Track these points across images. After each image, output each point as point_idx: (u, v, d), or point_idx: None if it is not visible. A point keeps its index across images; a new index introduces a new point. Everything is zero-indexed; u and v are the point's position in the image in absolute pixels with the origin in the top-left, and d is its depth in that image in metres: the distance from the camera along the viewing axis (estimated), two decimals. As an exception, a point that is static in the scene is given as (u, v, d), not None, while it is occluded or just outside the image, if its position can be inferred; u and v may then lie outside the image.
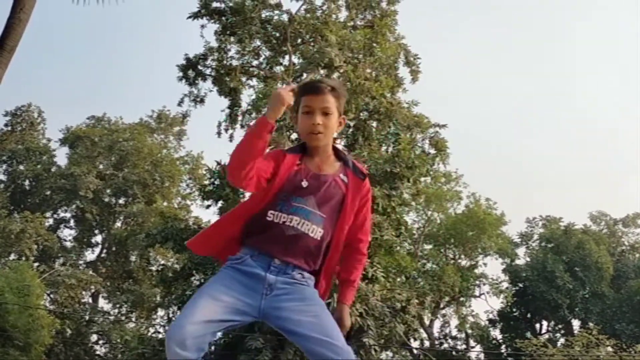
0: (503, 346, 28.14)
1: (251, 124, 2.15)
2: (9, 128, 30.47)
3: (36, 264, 26.32)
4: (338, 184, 2.18)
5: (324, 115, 2.18)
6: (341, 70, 15.96)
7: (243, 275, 2.10)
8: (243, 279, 2.10)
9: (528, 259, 29.83)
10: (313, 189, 2.16)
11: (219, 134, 18.11)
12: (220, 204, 17.17)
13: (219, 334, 15.47)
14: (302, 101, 2.21)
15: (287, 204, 2.14)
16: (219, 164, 17.13)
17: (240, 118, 17.91)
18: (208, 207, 17.62)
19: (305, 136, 2.22)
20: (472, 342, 28.52)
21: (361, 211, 2.24)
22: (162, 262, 27.43)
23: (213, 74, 18.10)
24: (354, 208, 2.20)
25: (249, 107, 16.53)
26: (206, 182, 17.71)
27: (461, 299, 25.64)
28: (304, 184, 2.14)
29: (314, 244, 2.15)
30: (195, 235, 2.26)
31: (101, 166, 29.84)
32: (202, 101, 18.24)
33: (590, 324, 21.14)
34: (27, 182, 29.74)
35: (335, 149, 2.27)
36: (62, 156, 31.43)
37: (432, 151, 16.66)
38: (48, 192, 29.29)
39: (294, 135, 17.23)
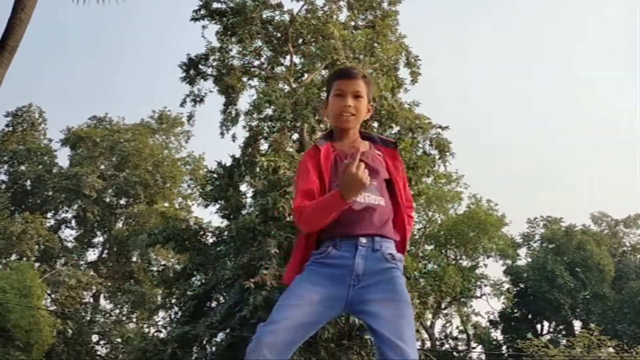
0: (504, 347, 28.12)
1: (328, 199, 2.04)
2: (10, 128, 30.48)
3: (37, 264, 26.33)
4: (376, 157, 2.21)
5: (355, 98, 2.21)
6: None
7: (329, 268, 2.03)
8: (329, 271, 2.03)
9: (529, 260, 29.81)
10: None
11: (222, 134, 18.16)
12: (220, 203, 17.20)
13: (221, 335, 15.52)
14: (334, 85, 2.25)
15: None
16: (219, 164, 17.15)
17: (242, 118, 17.95)
18: (206, 206, 17.68)
19: (335, 118, 2.23)
20: (473, 343, 28.50)
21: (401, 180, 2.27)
22: (163, 262, 27.45)
23: (214, 73, 18.13)
24: (397, 174, 2.21)
25: (251, 108, 16.54)
26: (206, 183, 17.73)
27: (462, 299, 25.63)
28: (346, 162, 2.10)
29: (385, 211, 2.12)
30: (286, 271, 2.16)
31: (102, 166, 29.86)
32: (201, 100, 18.27)
33: (592, 325, 21.09)
34: (28, 183, 29.76)
35: (360, 132, 2.29)
36: (63, 157, 31.49)
37: (434, 152, 16.65)
38: (49, 193, 29.30)
39: (295, 136, 17.24)
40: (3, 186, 29.44)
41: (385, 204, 2.13)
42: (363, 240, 2.04)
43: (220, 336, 15.62)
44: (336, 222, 2.06)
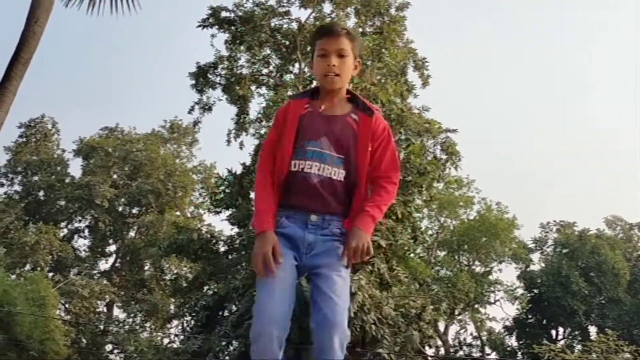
0: (519, 353, 27.84)
1: (257, 215, 2.20)
2: (24, 139, 30.77)
3: (51, 274, 26.51)
4: (349, 123, 2.18)
5: (339, 57, 2.19)
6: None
7: (285, 239, 2.12)
8: (286, 242, 2.12)
9: (543, 265, 29.56)
10: (325, 130, 2.17)
11: (228, 142, 18.22)
12: (230, 211, 17.23)
13: (235, 343, 15.48)
14: (317, 45, 2.22)
15: (302, 150, 2.15)
16: (230, 171, 17.19)
17: (250, 126, 18.01)
18: (217, 213, 17.72)
19: (320, 78, 2.22)
20: (487, 349, 28.25)
21: (377, 150, 2.20)
22: (176, 271, 27.53)
23: (223, 82, 18.23)
24: (367, 145, 2.17)
25: (259, 115, 16.59)
26: (217, 190, 17.79)
27: (476, 305, 25.44)
28: (314, 124, 2.16)
29: (340, 186, 2.16)
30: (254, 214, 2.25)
31: (115, 176, 30.07)
32: (210, 109, 18.37)
33: (608, 330, 20.82)
34: (41, 193, 30.01)
35: (349, 92, 2.27)
36: (75, 167, 31.62)
37: (444, 156, 16.60)
38: (62, 203, 29.54)
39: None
40: (17, 197, 29.70)
41: (343, 178, 2.15)
42: (314, 218, 2.13)
43: (234, 344, 15.61)
44: (291, 192, 2.16)
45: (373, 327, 12.36)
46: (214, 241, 17.81)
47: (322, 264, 2.11)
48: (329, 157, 2.14)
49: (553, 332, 29.07)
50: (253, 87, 18.73)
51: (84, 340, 26.27)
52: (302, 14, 17.98)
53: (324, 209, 2.13)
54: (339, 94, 2.23)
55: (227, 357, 16.01)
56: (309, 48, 18.33)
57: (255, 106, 29.05)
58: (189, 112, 18.47)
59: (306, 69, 17.99)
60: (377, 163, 2.21)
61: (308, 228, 2.13)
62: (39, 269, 25.66)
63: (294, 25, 17.91)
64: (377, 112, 2.24)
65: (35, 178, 30.04)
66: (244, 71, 18.32)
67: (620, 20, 50.67)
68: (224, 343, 15.47)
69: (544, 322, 28.73)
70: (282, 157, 2.16)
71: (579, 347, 25.43)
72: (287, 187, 2.16)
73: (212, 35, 17.87)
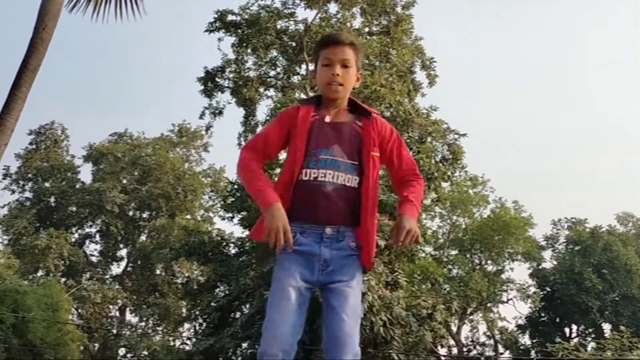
0: (533, 352, 27.65)
1: (258, 195, 2.13)
2: (34, 146, 31.03)
3: (63, 279, 26.70)
4: (355, 129, 2.19)
5: (343, 67, 2.20)
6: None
7: (299, 255, 2.10)
8: (300, 258, 2.10)
9: (555, 262, 29.35)
10: (335, 138, 2.16)
11: (239, 145, 18.29)
12: (241, 215, 17.29)
13: (245, 345, 15.51)
14: (322, 54, 2.22)
15: (315, 158, 2.13)
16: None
17: (259, 128, 18.05)
18: (231, 218, 17.77)
19: (324, 87, 2.22)
20: (500, 348, 28.08)
21: (392, 152, 2.23)
22: (187, 274, 27.65)
23: (231, 85, 18.29)
24: (371, 149, 2.17)
25: (268, 118, 16.63)
26: (227, 194, 17.86)
27: (488, 304, 25.30)
28: (325, 132, 2.14)
29: (354, 193, 2.14)
30: (255, 225, 2.20)
31: (125, 181, 30.25)
32: (220, 113, 18.44)
33: (622, 328, 20.61)
34: (52, 199, 30.24)
35: (351, 101, 2.27)
36: (85, 173, 31.86)
37: (451, 156, 16.55)
38: (73, 208, 29.76)
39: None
40: (28, 203, 29.96)
41: (358, 184, 2.13)
42: (328, 231, 2.11)
43: (245, 346, 15.65)
44: (304, 203, 2.11)
45: (382, 328, 12.30)
46: (224, 243, 17.88)
47: (340, 281, 2.09)
48: (343, 164, 2.13)
49: (566, 330, 28.84)
50: (261, 90, 18.79)
51: (96, 345, 26.42)
52: (308, 14, 18.00)
53: (338, 219, 2.11)
54: (341, 104, 2.23)
55: (239, 359, 16.05)
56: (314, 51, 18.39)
57: (264, 108, 29.28)
58: (200, 118, 18.55)
59: (313, 70, 18.02)
60: (398, 164, 2.24)
61: (323, 241, 2.10)
62: (51, 274, 25.87)
63: (300, 27, 17.94)
64: (376, 114, 2.24)
65: (46, 184, 30.28)
66: (252, 74, 18.38)
67: (632, 16, 50.24)
68: (234, 345, 15.52)
69: (557, 320, 28.51)
70: (293, 165, 2.13)
71: (592, 344, 25.21)
72: (299, 198, 2.12)
73: (219, 39, 17.95)
